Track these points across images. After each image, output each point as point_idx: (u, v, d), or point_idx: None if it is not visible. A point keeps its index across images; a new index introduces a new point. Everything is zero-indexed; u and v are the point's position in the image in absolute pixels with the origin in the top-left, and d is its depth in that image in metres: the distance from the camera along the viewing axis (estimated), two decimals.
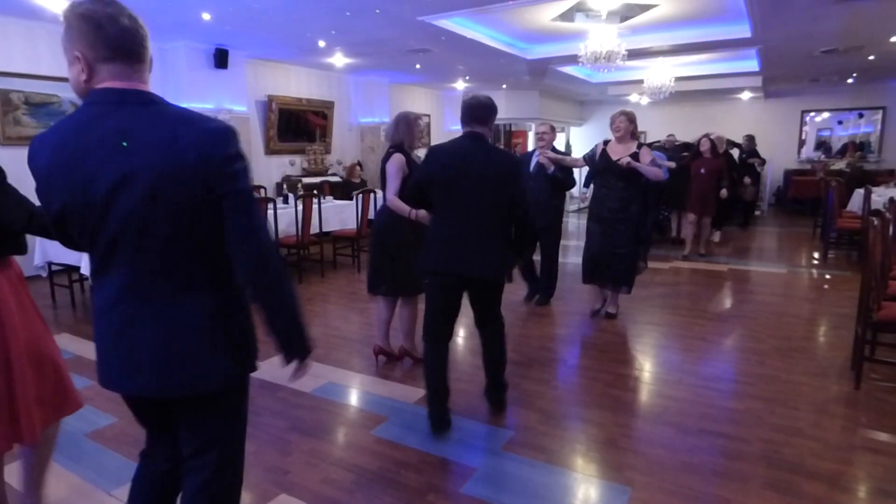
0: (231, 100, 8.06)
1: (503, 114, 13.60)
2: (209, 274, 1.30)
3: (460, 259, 2.64)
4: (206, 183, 1.21)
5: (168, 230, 1.22)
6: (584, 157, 4.69)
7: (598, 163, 4.47)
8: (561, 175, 4.70)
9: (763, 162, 10.07)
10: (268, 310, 1.32)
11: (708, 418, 2.89)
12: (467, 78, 10.93)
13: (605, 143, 4.52)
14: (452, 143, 2.76)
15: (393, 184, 3.29)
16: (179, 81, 7.52)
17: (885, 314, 3.10)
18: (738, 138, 10.45)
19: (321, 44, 7.48)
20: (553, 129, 4.97)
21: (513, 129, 15.09)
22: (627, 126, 4.37)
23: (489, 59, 8.70)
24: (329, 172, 9.79)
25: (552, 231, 4.91)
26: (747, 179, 9.14)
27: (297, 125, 9.49)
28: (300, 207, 5.97)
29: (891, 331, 3.18)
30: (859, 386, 3.19)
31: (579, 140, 14.50)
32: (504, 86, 11.95)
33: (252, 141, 8.49)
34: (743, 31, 6.86)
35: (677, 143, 9.19)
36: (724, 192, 7.05)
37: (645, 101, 12.88)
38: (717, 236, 8.13)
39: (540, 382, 3.38)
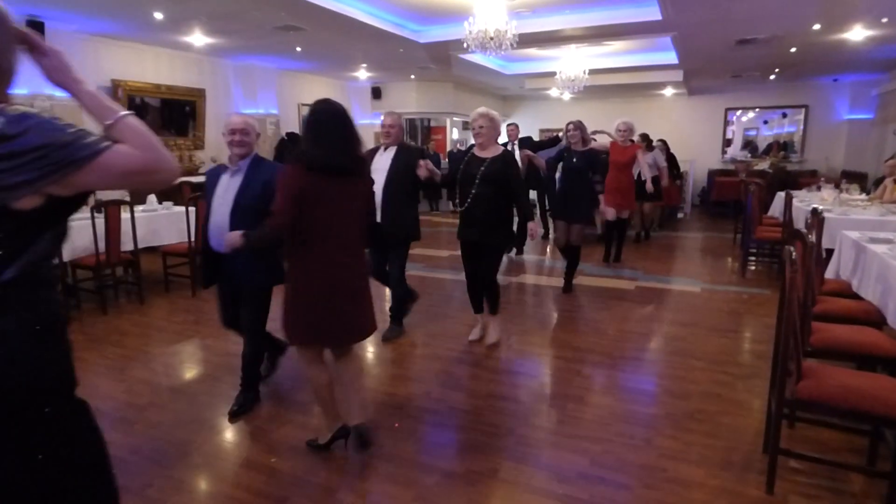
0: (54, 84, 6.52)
1: (415, 108, 12.55)
2: None
3: None
4: None
5: None
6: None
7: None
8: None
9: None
10: None
11: None
12: (365, 66, 9.72)
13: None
14: None
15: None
16: None
17: (805, 389, 2.14)
18: (663, 136, 9.75)
19: (158, 16, 6.09)
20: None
21: (431, 124, 13.99)
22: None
23: (380, 42, 7.53)
24: (200, 171, 8.34)
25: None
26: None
27: (159, 116, 8.02)
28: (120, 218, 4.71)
29: (812, 411, 2.24)
30: (773, 488, 2.24)
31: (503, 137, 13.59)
32: (412, 76, 10.84)
33: None
34: (653, 13, 6.00)
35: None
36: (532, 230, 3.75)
37: (567, 96, 12.09)
38: (494, 335, 3.94)
39: None
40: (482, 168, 3.59)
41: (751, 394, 3.15)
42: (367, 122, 12.26)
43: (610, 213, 6.31)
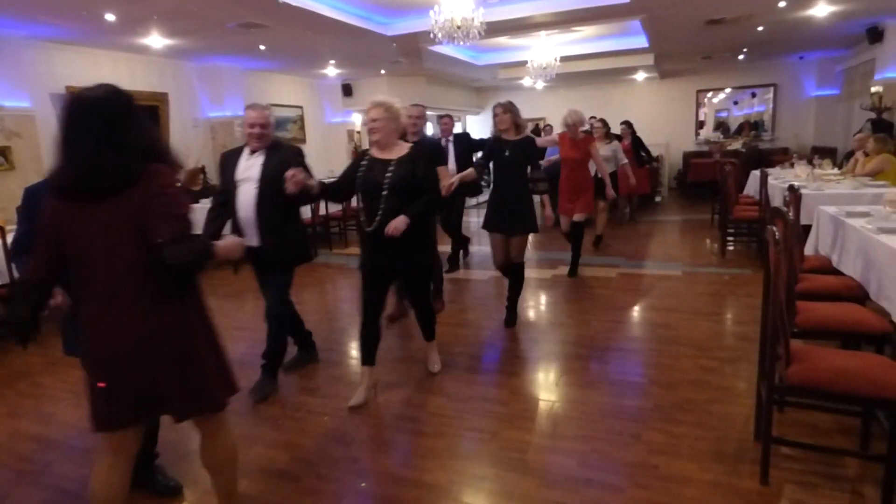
0: (3, 93, 6.22)
1: None
2: None
3: None
4: None
5: None
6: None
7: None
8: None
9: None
10: None
11: None
12: (334, 62, 9.49)
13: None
14: None
15: None
16: None
17: (795, 374, 2.06)
18: (637, 121, 9.68)
19: (109, 18, 5.81)
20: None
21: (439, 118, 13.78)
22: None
23: (346, 36, 7.33)
24: None
25: None
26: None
27: None
28: None
29: (803, 396, 2.16)
30: (767, 478, 2.15)
31: (477, 129, 13.45)
32: (383, 71, 10.61)
33: (46, 144, 6.66)
34: None
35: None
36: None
37: (540, 85, 11.99)
38: (436, 362, 3.43)
39: None
40: (388, 174, 2.81)
41: (738, 378, 3.08)
42: (339, 120, 12.04)
43: (565, 224, 5.39)
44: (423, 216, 2.92)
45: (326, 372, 3.50)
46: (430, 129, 6.03)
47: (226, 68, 9.13)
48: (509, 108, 3.94)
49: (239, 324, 4.46)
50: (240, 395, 3.10)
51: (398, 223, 2.75)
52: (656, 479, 2.24)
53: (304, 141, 10.94)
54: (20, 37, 6.32)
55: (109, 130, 1.61)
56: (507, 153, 3.91)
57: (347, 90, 11.69)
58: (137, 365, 1.66)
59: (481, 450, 2.55)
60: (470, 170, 4.04)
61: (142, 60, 7.93)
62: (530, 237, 4.32)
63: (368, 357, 3.06)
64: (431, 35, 5.49)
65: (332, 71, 10.32)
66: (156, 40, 7.01)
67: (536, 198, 4.01)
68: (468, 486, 2.30)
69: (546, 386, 3.22)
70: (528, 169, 3.97)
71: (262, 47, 7.80)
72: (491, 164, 4.06)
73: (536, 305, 4.71)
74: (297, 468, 2.47)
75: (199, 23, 6.25)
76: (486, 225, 4.06)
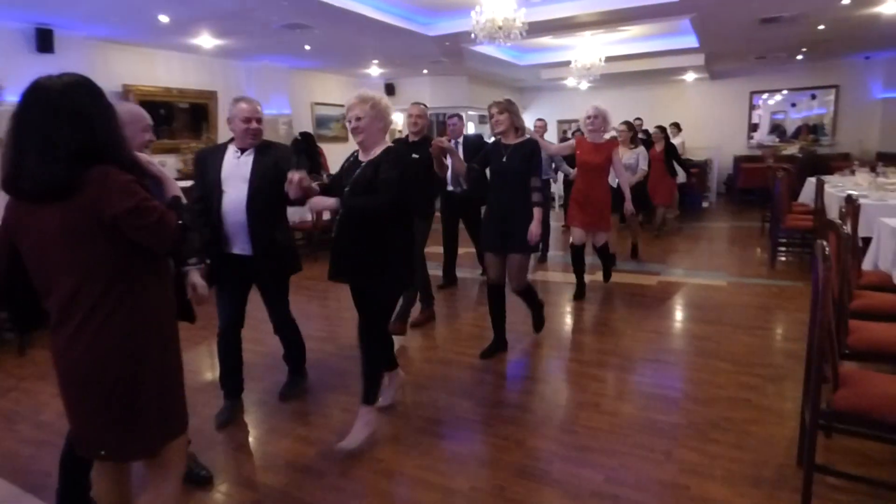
0: None
1: (429, 102, 12.39)
2: None
3: None
4: None
5: None
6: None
7: None
8: None
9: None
10: None
11: None
12: (377, 62, 9.59)
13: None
14: None
15: None
16: None
17: (843, 399, 1.93)
18: (686, 123, 9.37)
19: (163, 19, 6.03)
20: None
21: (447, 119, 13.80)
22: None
23: (389, 37, 7.38)
24: None
25: None
26: None
27: (170, 120, 8.03)
28: None
29: (851, 423, 2.01)
30: None
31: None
32: (425, 71, 10.66)
33: None
34: None
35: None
36: None
37: (584, 85, 11.76)
38: (356, 436, 2.67)
39: None
40: (353, 178, 2.50)
41: (782, 398, 2.92)
42: None
43: (577, 235, 4.71)
44: (369, 216, 2.46)
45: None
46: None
47: (272, 67, 9.36)
48: (507, 108, 3.41)
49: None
50: (272, 390, 3.19)
51: (319, 200, 2.45)
52: (687, 501, 2.13)
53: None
54: (80, 36, 6.64)
55: (40, 129, 1.40)
56: (504, 158, 3.42)
57: (390, 89, 11.78)
58: (78, 399, 1.53)
59: (505, 457, 2.50)
60: (463, 165, 3.58)
61: (193, 59, 8.21)
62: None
63: (385, 363, 2.93)
64: (472, 36, 5.45)
65: (374, 70, 10.43)
66: (206, 40, 7.25)
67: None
68: (490, 493, 2.26)
69: (575, 395, 3.14)
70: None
71: (307, 47, 7.95)
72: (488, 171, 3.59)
73: (570, 312, 4.61)
74: (322, 464, 2.49)
75: (246, 23, 6.42)
76: (482, 243, 3.66)
